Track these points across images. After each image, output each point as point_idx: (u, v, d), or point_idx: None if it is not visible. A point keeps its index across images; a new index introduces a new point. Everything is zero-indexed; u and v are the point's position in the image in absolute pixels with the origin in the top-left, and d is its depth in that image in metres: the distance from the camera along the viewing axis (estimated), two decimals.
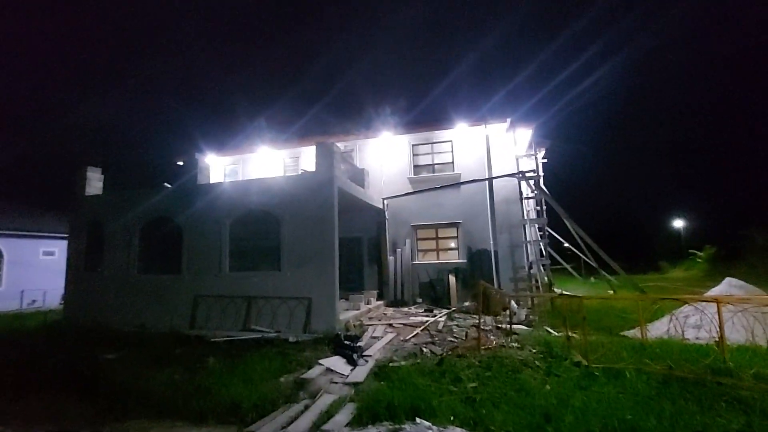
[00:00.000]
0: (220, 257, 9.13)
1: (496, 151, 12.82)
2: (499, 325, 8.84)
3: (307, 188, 8.71)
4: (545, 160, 16.41)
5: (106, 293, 9.92)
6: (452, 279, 12.04)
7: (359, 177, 10.70)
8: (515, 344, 6.31)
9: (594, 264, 13.83)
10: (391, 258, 12.93)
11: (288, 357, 6.38)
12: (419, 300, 12.57)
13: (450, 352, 6.09)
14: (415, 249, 13.13)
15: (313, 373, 5.35)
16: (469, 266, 12.49)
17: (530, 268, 12.00)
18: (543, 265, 12.43)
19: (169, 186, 10.85)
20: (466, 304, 11.85)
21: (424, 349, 6.41)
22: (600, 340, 6.44)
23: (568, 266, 16.07)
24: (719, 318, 4.76)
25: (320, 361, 6.05)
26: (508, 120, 12.45)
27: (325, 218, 8.51)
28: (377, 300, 11.74)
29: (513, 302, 11.82)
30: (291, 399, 4.67)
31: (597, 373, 4.78)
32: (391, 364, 5.74)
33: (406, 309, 11.46)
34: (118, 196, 10.69)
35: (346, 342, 6.82)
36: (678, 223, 33.46)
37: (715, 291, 7.66)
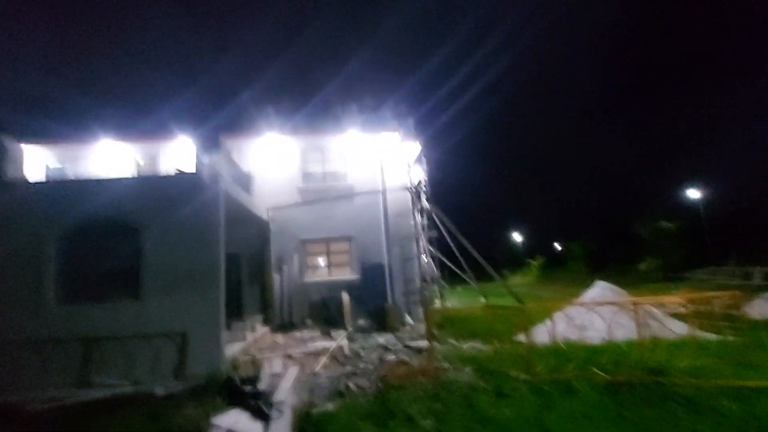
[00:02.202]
0: (39, 285, 6.39)
1: (389, 163, 12.61)
2: (407, 344, 8.34)
3: (182, 192, 6.81)
4: (426, 176, 17.03)
5: None
6: (345, 297, 11.17)
7: (244, 181, 9.05)
8: (446, 364, 5.79)
9: (462, 274, 14.64)
10: (276, 276, 11.37)
11: (162, 421, 4.59)
12: (309, 322, 11.29)
13: (381, 384, 5.21)
14: (305, 265, 11.85)
15: None
16: (362, 282, 11.81)
17: (423, 280, 11.98)
18: (433, 279, 12.58)
19: None
20: (361, 322, 11.11)
21: (350, 384, 5.38)
22: (514, 349, 6.44)
23: (465, 275, 16.52)
24: (637, 318, 5.08)
25: (215, 421, 4.46)
26: (399, 131, 12.41)
27: (206, 230, 6.74)
28: (262, 325, 10.07)
29: (407, 317, 11.62)
30: None
31: (546, 388, 4.55)
32: (315, 411, 4.56)
33: (298, 334, 10.07)
34: None
35: (243, 387, 5.30)
36: (516, 236, 39.47)
37: (591, 294, 8.60)
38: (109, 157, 11.99)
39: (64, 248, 6.64)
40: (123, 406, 5.15)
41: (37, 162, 11.84)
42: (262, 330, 9.65)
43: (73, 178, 10.82)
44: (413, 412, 4.11)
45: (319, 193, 12.00)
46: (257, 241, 11.29)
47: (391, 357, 7.33)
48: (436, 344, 8.17)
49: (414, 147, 13.49)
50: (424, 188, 12.38)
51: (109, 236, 6.74)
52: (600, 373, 4.94)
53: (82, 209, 6.64)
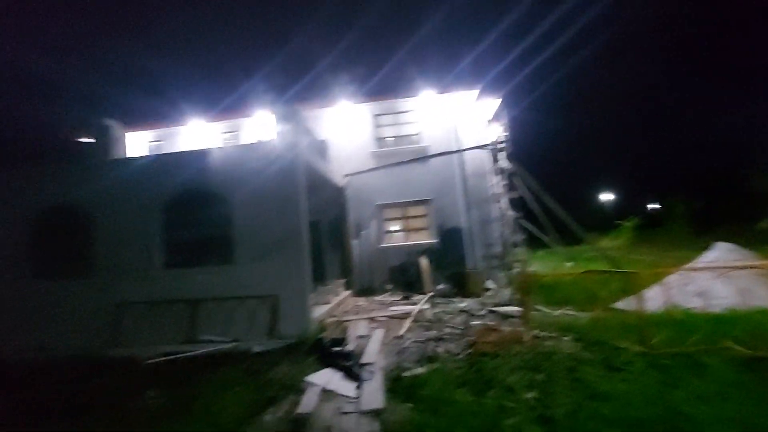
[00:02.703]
0: (149, 252, 7.06)
1: (465, 122, 11.85)
2: (492, 309, 7.95)
3: (266, 161, 6.93)
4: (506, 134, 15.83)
5: None
6: (424, 261, 10.97)
7: (320, 149, 9.08)
8: (540, 332, 5.32)
9: (545, 237, 13.50)
10: (355, 242, 11.52)
11: (261, 376, 4.81)
12: (389, 287, 11.36)
13: (471, 350, 4.95)
14: (382, 231, 11.83)
15: (310, 401, 3.87)
16: (440, 246, 11.50)
17: (505, 244, 11.32)
18: (515, 243, 11.79)
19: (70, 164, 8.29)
20: (440, 287, 10.89)
21: (438, 349, 5.20)
22: (617, 317, 5.71)
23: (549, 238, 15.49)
24: None
25: (309, 379, 4.57)
26: (478, 88, 11.50)
27: (289, 197, 6.84)
28: (344, 290, 10.32)
29: (489, 282, 11.14)
30: None
31: (667, 362, 3.93)
32: (405, 374, 4.45)
33: (378, 298, 10.19)
34: None
35: (334, 349, 5.38)
36: (604, 197, 35.98)
37: (710, 257, 7.38)
38: (198, 135, 12.85)
39: (167, 218, 7.21)
40: (225, 362, 5.53)
41: (138, 143, 13.11)
42: (344, 294, 9.89)
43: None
44: (512, 382, 3.78)
45: (394, 157, 11.71)
46: (335, 208, 11.45)
47: (476, 323, 7.04)
48: (516, 309, 7.72)
49: (492, 103, 12.48)
50: (504, 147, 11.45)
51: (204, 206, 7.14)
52: (737, 347, 4.14)
53: (179, 180, 7.10)
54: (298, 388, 4.37)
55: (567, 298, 7.98)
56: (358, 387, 4.24)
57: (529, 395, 3.54)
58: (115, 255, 7.10)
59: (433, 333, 6.44)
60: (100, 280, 7.04)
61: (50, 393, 4.75)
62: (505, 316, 7.35)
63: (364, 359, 5.09)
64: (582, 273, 5.79)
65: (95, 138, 7.92)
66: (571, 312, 7.22)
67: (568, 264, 14.26)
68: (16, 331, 6.95)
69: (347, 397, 4.00)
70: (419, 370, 4.52)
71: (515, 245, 11.79)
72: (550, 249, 14.92)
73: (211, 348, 6.12)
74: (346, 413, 3.62)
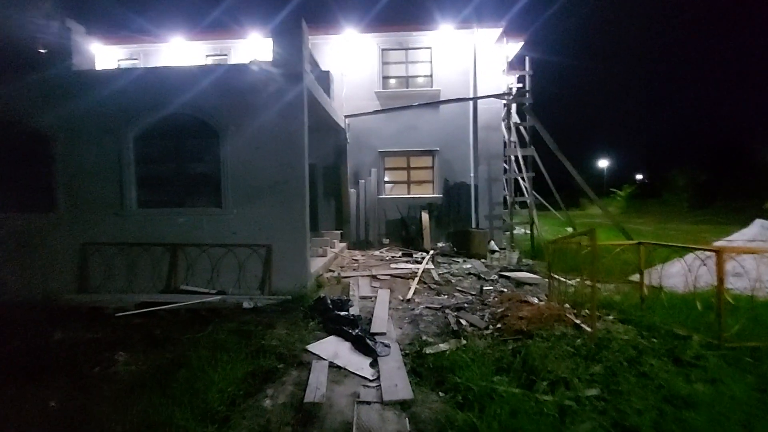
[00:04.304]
0: (121, 187, 6.00)
1: (483, 66, 10.61)
2: (503, 274, 7.35)
3: (263, 86, 5.77)
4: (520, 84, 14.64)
5: None
6: (425, 216, 10.22)
7: (323, 82, 7.85)
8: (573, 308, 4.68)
9: (545, 200, 12.85)
10: (352, 191, 10.60)
11: (253, 341, 4.07)
12: (386, 241, 10.68)
13: (501, 325, 4.29)
14: (382, 180, 10.91)
15: (318, 384, 3.15)
16: (444, 202, 10.72)
17: (513, 204, 10.61)
18: (527, 203, 11.05)
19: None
20: (441, 245, 10.27)
21: (462, 321, 4.53)
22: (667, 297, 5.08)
23: (557, 201, 14.75)
24: None
25: (312, 349, 3.86)
26: (502, 26, 10.16)
27: (291, 131, 5.78)
28: (340, 242, 9.56)
29: (493, 243, 10.55)
30: None
31: (748, 359, 3.32)
32: (427, 350, 3.77)
33: (376, 252, 9.50)
34: None
35: (339, 313, 4.65)
36: (602, 163, 35.48)
37: (749, 233, 6.82)
38: (180, 56, 11.24)
39: (143, 147, 6.10)
40: (210, 319, 4.78)
41: (106, 62, 11.42)
42: (339, 246, 9.14)
43: None
44: (565, 373, 3.13)
45: (401, 100, 10.53)
46: (333, 152, 10.37)
47: (488, 288, 6.43)
48: (532, 276, 7.14)
49: (513, 47, 11.21)
50: (524, 98, 10.38)
51: (188, 136, 6.04)
52: None
53: (156, 101, 5.90)
54: (299, 360, 3.67)
55: (576, 266, 7.43)
56: (372, 364, 3.55)
57: (591, 392, 2.90)
58: (82, 187, 6.02)
59: (444, 298, 5.81)
60: (64, 216, 6.01)
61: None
62: (519, 283, 6.76)
63: (374, 327, 4.40)
64: (634, 244, 5.06)
65: (55, 43, 6.48)
66: (588, 282, 6.66)
67: (569, 229, 13.77)
68: None
69: (363, 378, 3.30)
70: (443, 347, 3.85)
71: (522, 206, 11.11)
72: (547, 213, 14.39)
73: (193, 300, 5.32)
74: (364, 402, 2.92)
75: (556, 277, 5.38)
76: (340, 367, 3.50)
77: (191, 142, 6.03)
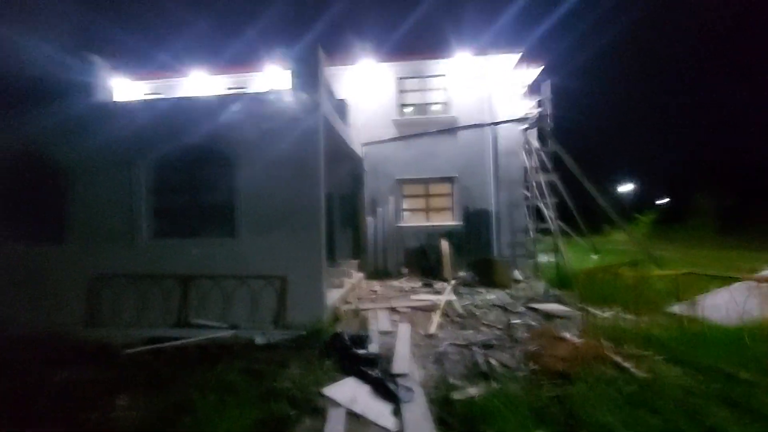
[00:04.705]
0: (133, 218, 5.91)
1: (500, 92, 10.51)
2: (531, 306, 6.88)
3: (280, 115, 5.71)
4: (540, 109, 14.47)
5: None
6: (445, 245, 9.87)
7: (340, 110, 7.83)
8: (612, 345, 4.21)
9: (568, 227, 12.36)
10: (370, 219, 10.39)
11: (265, 382, 3.75)
12: (405, 270, 10.30)
13: (535, 365, 3.87)
14: (400, 208, 10.68)
15: None
16: (464, 230, 10.38)
17: (536, 231, 10.19)
18: (552, 231, 10.60)
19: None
20: (463, 274, 9.84)
21: (492, 361, 4.12)
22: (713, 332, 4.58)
23: (578, 227, 14.34)
24: None
25: (328, 393, 3.51)
26: (520, 52, 10.10)
27: (307, 160, 5.65)
28: (357, 272, 9.25)
29: (517, 272, 10.07)
30: None
31: None
32: (455, 396, 3.37)
33: (396, 282, 9.13)
34: None
35: (357, 351, 4.31)
36: (623, 188, 34.57)
37: None
38: (202, 89, 11.53)
39: (156, 177, 6.05)
40: (222, 355, 4.49)
41: (134, 95, 11.79)
42: (357, 277, 8.83)
43: None
44: (615, 425, 2.70)
45: (418, 127, 10.43)
46: (350, 180, 10.26)
47: (516, 321, 5.98)
48: (561, 308, 6.65)
49: (532, 72, 11.11)
50: (545, 123, 10.16)
51: (203, 165, 5.97)
52: None
53: (172, 132, 5.88)
54: (314, 405, 3.32)
55: (607, 296, 6.92)
56: (395, 411, 3.18)
57: None
58: (94, 218, 5.96)
59: (470, 333, 5.40)
60: (74, 248, 5.92)
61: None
62: (549, 316, 6.29)
63: (395, 368, 4.03)
64: (684, 274, 4.62)
65: (76, 76, 6.64)
66: (623, 315, 6.14)
67: (594, 257, 13.13)
68: None
69: (384, 428, 2.93)
70: (472, 391, 3.45)
71: (545, 233, 10.67)
72: (569, 238, 13.80)
73: (204, 336, 5.06)
74: None
75: (590, 310, 4.93)
76: (358, 415, 3.14)
77: (206, 171, 5.94)
